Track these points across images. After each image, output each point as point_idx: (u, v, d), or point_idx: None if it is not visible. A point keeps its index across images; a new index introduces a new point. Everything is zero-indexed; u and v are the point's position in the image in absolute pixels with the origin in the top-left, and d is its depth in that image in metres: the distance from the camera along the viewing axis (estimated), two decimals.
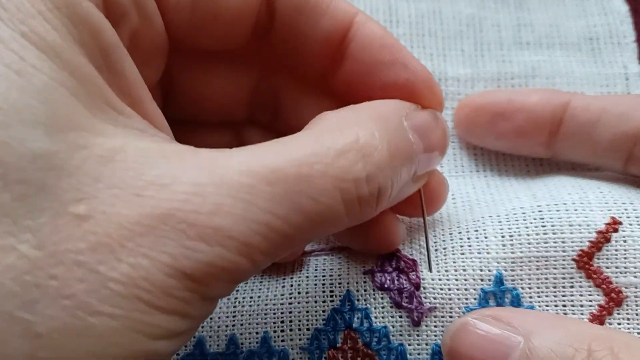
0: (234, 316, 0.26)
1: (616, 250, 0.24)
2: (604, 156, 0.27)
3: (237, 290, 0.27)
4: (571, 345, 0.20)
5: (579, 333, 0.21)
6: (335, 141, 0.18)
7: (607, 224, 0.24)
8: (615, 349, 0.19)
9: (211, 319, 0.26)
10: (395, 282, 0.25)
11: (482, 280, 0.25)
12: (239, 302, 0.26)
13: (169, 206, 0.15)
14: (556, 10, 0.34)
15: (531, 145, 0.28)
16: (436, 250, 0.26)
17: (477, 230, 0.26)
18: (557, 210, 0.25)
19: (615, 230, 0.24)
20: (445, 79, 0.32)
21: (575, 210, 0.25)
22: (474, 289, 0.25)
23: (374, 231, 0.25)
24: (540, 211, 0.25)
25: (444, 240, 0.26)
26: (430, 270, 0.25)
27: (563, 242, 0.24)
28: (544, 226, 0.25)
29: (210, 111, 0.25)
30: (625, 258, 0.24)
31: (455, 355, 0.22)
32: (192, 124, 0.25)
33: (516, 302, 0.24)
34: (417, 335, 0.25)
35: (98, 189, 0.15)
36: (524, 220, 0.25)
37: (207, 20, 0.21)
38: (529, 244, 0.25)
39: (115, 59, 0.17)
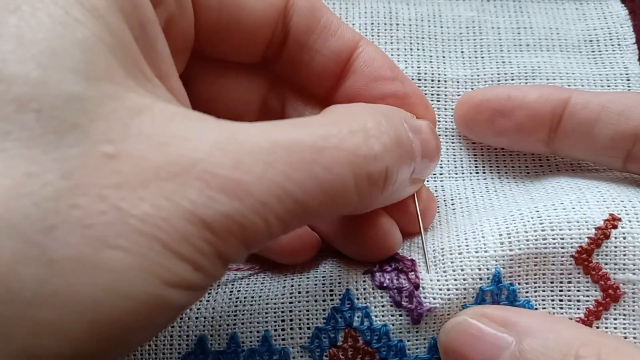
0: (235, 315, 0.26)
1: (615, 247, 0.24)
2: (604, 154, 0.27)
3: (239, 290, 0.27)
4: (560, 350, 0.20)
5: (569, 337, 0.21)
6: (348, 123, 0.19)
7: (605, 220, 0.24)
8: (602, 355, 0.20)
9: (212, 317, 0.27)
10: (395, 281, 0.26)
11: (480, 279, 0.25)
12: (240, 302, 0.27)
13: (193, 156, 0.16)
14: (555, 14, 0.35)
15: (531, 142, 0.28)
16: (434, 250, 0.26)
17: (474, 232, 0.26)
18: (555, 209, 0.25)
19: (615, 227, 0.24)
20: (445, 80, 0.33)
21: (573, 208, 0.25)
22: (473, 288, 0.25)
23: (371, 235, 0.25)
24: (537, 211, 0.25)
25: (441, 241, 0.27)
26: (427, 271, 0.26)
27: (562, 239, 0.24)
28: (541, 224, 0.25)
29: (219, 114, 0.26)
30: (624, 255, 0.24)
31: (449, 352, 0.23)
32: None
33: (512, 297, 0.25)
34: (416, 332, 0.25)
35: (127, 135, 0.15)
36: (522, 219, 0.25)
37: (230, 26, 0.23)
38: (527, 241, 0.25)
39: (150, 33, 0.18)
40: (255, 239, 0.17)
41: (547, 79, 0.32)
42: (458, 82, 0.33)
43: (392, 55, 0.33)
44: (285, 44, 0.24)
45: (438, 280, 0.25)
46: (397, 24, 0.34)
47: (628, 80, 0.32)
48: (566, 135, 0.27)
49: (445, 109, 0.32)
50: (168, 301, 0.15)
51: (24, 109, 0.14)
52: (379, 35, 0.34)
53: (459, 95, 0.32)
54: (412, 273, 0.26)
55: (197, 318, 0.27)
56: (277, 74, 0.26)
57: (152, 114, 0.16)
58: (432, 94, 0.33)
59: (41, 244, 0.13)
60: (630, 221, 0.24)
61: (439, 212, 0.30)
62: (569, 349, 0.20)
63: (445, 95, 0.32)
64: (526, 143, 0.29)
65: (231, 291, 0.27)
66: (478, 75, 0.33)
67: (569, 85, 0.32)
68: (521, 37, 0.34)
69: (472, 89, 0.32)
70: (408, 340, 0.25)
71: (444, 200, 0.31)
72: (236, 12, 0.22)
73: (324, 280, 0.26)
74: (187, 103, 0.21)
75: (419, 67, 0.33)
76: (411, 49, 0.33)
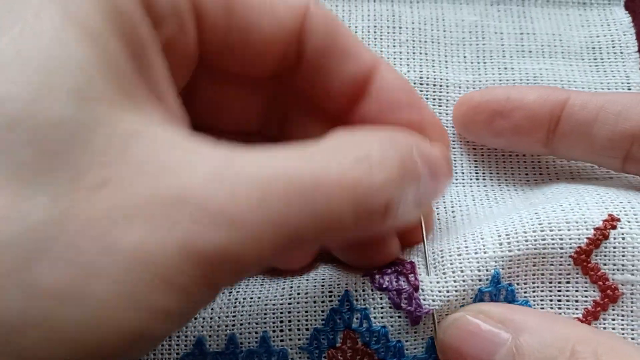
0: (233, 316, 0.27)
1: (614, 247, 0.24)
2: (602, 154, 0.27)
3: (237, 291, 0.27)
4: (556, 346, 0.21)
5: (565, 334, 0.21)
6: (351, 151, 0.19)
7: (604, 220, 0.24)
8: (599, 352, 0.20)
9: (211, 318, 0.27)
10: (394, 283, 0.26)
11: (480, 280, 0.25)
12: (239, 302, 0.27)
13: (186, 186, 0.15)
14: (559, 20, 0.35)
15: (529, 143, 0.29)
16: (433, 253, 0.27)
17: (473, 233, 0.26)
18: (554, 211, 0.25)
19: (614, 227, 0.24)
20: (447, 85, 0.33)
21: (572, 209, 0.25)
22: (472, 289, 0.25)
23: (368, 246, 0.26)
24: (536, 212, 0.26)
25: (441, 244, 0.27)
26: (427, 273, 0.26)
27: (561, 239, 0.25)
28: (540, 224, 0.25)
29: (222, 120, 0.27)
30: (623, 255, 0.24)
31: (446, 349, 0.23)
32: (202, 130, 0.26)
33: (510, 297, 0.25)
34: (415, 332, 0.25)
35: (119, 163, 0.15)
36: (520, 220, 0.26)
37: (237, 47, 0.22)
38: (526, 241, 0.25)
39: (148, 54, 0.18)
40: (248, 268, 0.17)
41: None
42: (460, 87, 0.33)
43: (394, 58, 0.34)
44: (300, 64, 0.24)
45: (438, 282, 0.26)
46: (400, 27, 0.34)
47: (629, 89, 0.32)
48: (564, 136, 0.27)
49: (447, 113, 0.33)
50: (155, 329, 0.15)
51: (14, 131, 0.14)
52: (381, 39, 0.34)
53: None
54: (412, 275, 0.26)
55: (195, 319, 0.27)
56: (287, 88, 0.26)
57: (146, 140, 0.16)
58: (434, 99, 0.33)
59: (27, 272, 0.13)
60: (629, 222, 0.24)
61: (439, 218, 0.30)
62: (565, 346, 0.20)
63: (447, 100, 0.33)
64: (524, 144, 0.29)
65: (230, 292, 0.28)
66: (480, 81, 0.33)
67: None
68: (524, 43, 0.34)
69: None
70: (406, 341, 0.25)
71: (444, 207, 0.31)
72: (245, 34, 0.22)
73: (322, 281, 0.27)
74: (185, 123, 0.20)
75: (421, 72, 0.33)
76: (414, 53, 0.34)
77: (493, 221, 0.27)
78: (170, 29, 0.20)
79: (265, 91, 0.26)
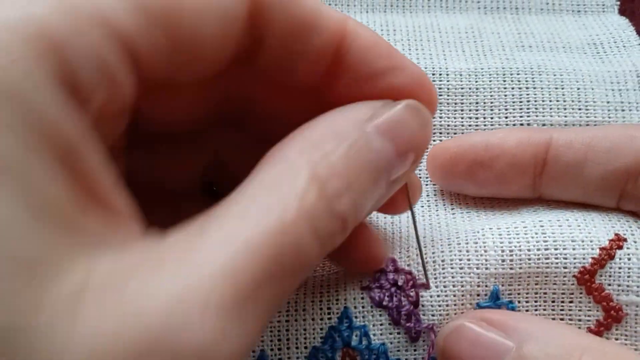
0: None
1: (620, 268, 0.25)
2: (595, 195, 0.27)
3: None
4: (561, 356, 0.22)
5: (571, 343, 0.22)
6: (289, 190, 0.18)
7: (610, 240, 0.25)
8: None
9: None
10: (394, 299, 0.27)
11: (478, 295, 0.27)
12: None
13: (147, 337, 0.15)
14: (555, 24, 0.36)
15: (515, 190, 0.29)
16: (434, 262, 0.28)
17: (476, 243, 0.27)
18: (560, 226, 0.26)
19: (620, 247, 0.25)
20: (447, 73, 0.33)
21: (579, 226, 0.26)
22: (470, 304, 0.27)
23: (356, 254, 0.26)
24: (542, 226, 0.27)
25: (442, 252, 0.28)
26: (427, 287, 0.27)
27: (565, 259, 0.26)
28: (545, 241, 0.26)
29: (177, 123, 0.25)
30: (628, 276, 0.25)
31: (447, 357, 0.24)
32: (161, 136, 0.25)
33: None
34: (414, 350, 0.27)
35: (70, 335, 0.14)
36: (525, 234, 0.27)
37: (185, 63, 0.20)
38: (529, 259, 0.26)
39: (78, 159, 0.16)
40: None
41: (554, 74, 0.32)
42: (461, 74, 0.33)
43: None
44: (259, 53, 0.22)
45: (438, 296, 0.27)
46: (395, 30, 0.35)
47: (638, 76, 0.32)
48: (553, 179, 0.27)
49: (448, 103, 0.33)
50: None
51: None
52: None
53: (462, 88, 0.33)
54: (412, 290, 0.27)
55: None
56: (246, 76, 0.23)
57: (93, 292, 0.15)
58: None
59: None
60: (635, 242, 0.25)
61: (437, 215, 0.31)
62: (570, 355, 0.21)
63: (448, 89, 0.33)
64: (510, 191, 0.29)
65: None
66: (482, 69, 0.33)
67: (577, 81, 0.32)
68: (523, 40, 0.35)
69: (475, 82, 0.33)
70: (406, 359, 0.27)
71: (444, 206, 0.32)
72: (192, 46, 0.19)
73: (321, 297, 0.28)
74: (133, 214, 0.18)
75: (418, 63, 0.33)
76: (409, 48, 0.34)
77: (497, 226, 0.28)
78: (101, 98, 0.18)
79: (221, 83, 0.24)
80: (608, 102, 0.32)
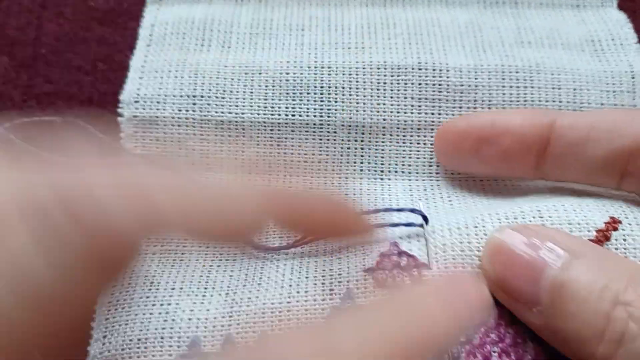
0: (230, 316, 0.28)
1: (616, 248, 0.27)
2: (597, 175, 0.28)
3: (235, 292, 0.29)
4: (610, 278, 0.23)
5: (619, 267, 0.24)
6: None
7: (606, 222, 0.27)
8: None
9: (206, 319, 0.29)
10: (396, 279, 0.28)
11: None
12: (236, 303, 0.29)
13: None
14: (554, 19, 0.38)
15: (519, 169, 0.30)
16: (435, 246, 0.29)
17: (476, 227, 0.28)
18: (556, 210, 0.28)
19: (615, 229, 0.27)
20: (447, 69, 0.35)
21: (574, 210, 0.28)
22: None
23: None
24: (539, 210, 0.28)
25: (442, 236, 0.29)
26: (429, 268, 0.28)
27: None
28: (543, 225, 0.27)
29: None
30: (625, 257, 0.27)
31: (489, 275, 0.26)
32: None
33: None
34: None
35: None
36: (523, 218, 0.28)
37: None
38: None
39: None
40: None
41: (552, 74, 0.34)
42: (461, 71, 0.35)
43: (390, 48, 0.36)
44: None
45: (440, 276, 0.28)
46: (395, 24, 0.37)
47: (633, 78, 0.34)
48: (556, 159, 0.29)
49: (447, 100, 0.34)
50: None
51: None
52: (375, 34, 0.37)
53: (461, 85, 0.34)
54: (415, 270, 0.28)
55: (189, 319, 0.28)
56: None
57: None
58: (434, 84, 0.35)
59: None
60: (630, 224, 0.27)
61: (436, 206, 0.32)
62: (619, 279, 0.22)
63: (448, 85, 0.34)
64: (514, 170, 0.30)
65: (227, 293, 0.29)
66: (482, 66, 0.35)
67: (574, 81, 0.34)
68: (522, 36, 0.37)
69: (475, 79, 0.35)
70: None
71: (441, 198, 0.33)
72: None
73: (323, 278, 0.28)
74: None
75: (419, 58, 0.35)
76: (410, 43, 0.36)
77: (495, 212, 0.29)
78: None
79: None
80: (602, 105, 0.34)
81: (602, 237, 0.27)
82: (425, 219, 0.29)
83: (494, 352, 0.27)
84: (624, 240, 0.27)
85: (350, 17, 0.38)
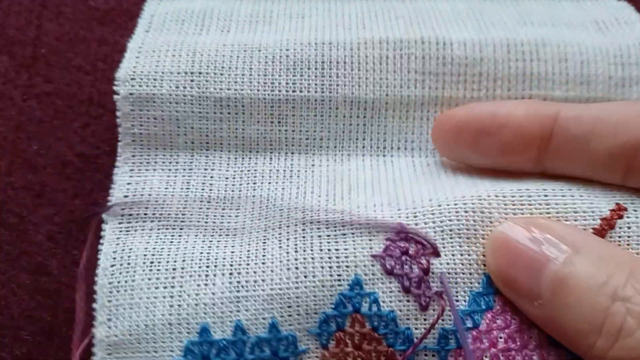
0: (237, 301, 0.29)
1: (619, 237, 0.28)
2: (601, 170, 0.28)
3: (239, 272, 0.30)
4: (610, 270, 0.24)
5: (620, 259, 0.25)
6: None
7: (611, 210, 0.28)
8: None
9: (213, 304, 0.29)
10: (404, 267, 0.29)
11: (484, 265, 0.28)
12: (242, 287, 0.29)
13: None
14: (554, 9, 0.38)
15: (518, 162, 0.30)
16: (442, 231, 0.29)
17: (482, 213, 0.29)
18: (563, 196, 0.28)
19: (620, 217, 0.27)
20: (450, 42, 0.34)
21: (581, 196, 0.28)
22: (477, 274, 0.28)
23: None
24: (546, 196, 0.28)
25: (450, 220, 0.29)
26: (437, 255, 0.29)
27: None
28: (548, 213, 0.28)
29: None
30: (628, 244, 0.27)
31: (492, 269, 0.27)
32: None
33: None
34: (424, 320, 0.28)
35: None
36: (530, 205, 0.28)
37: None
38: None
39: None
40: None
41: (558, 46, 0.34)
42: (465, 44, 0.34)
43: (392, 29, 0.35)
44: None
45: (447, 264, 0.29)
46: (395, 10, 0.37)
47: None
48: (559, 153, 0.28)
49: (452, 74, 0.34)
50: None
51: None
52: (376, 17, 0.36)
53: (466, 58, 0.34)
54: (422, 258, 0.29)
55: (196, 304, 0.29)
56: None
57: None
58: (438, 58, 0.34)
59: None
60: (635, 210, 0.28)
61: (441, 182, 0.32)
62: (620, 270, 0.24)
63: (452, 58, 0.34)
64: (514, 163, 0.30)
65: (230, 273, 0.30)
66: (486, 39, 0.34)
67: (580, 54, 0.34)
68: (524, 18, 0.36)
69: (480, 52, 0.34)
70: (416, 328, 0.28)
71: (446, 174, 0.33)
72: None
73: (330, 263, 0.29)
74: None
75: (421, 33, 0.34)
76: (411, 24, 0.36)
77: (502, 195, 0.29)
78: None
79: None
80: (610, 78, 0.34)
81: (607, 225, 0.28)
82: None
83: (500, 337, 0.28)
84: (629, 228, 0.28)
85: (351, 7, 0.37)
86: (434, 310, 0.28)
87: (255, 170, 0.33)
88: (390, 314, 0.28)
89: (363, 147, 0.34)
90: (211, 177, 0.33)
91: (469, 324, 0.28)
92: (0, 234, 0.36)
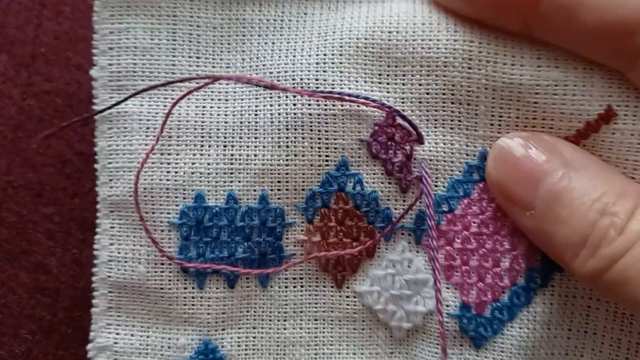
0: (231, 173, 0.31)
1: (602, 141, 0.28)
2: (586, 44, 0.27)
3: (233, 146, 0.31)
4: (605, 190, 0.26)
5: (615, 181, 0.26)
6: None
7: (600, 114, 0.28)
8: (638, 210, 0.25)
9: (208, 174, 0.31)
10: (389, 151, 0.30)
11: (467, 155, 0.30)
12: (235, 159, 0.31)
13: None
14: None
15: (506, 18, 0.28)
16: (427, 120, 0.30)
17: (469, 105, 0.29)
18: (555, 95, 0.28)
19: (607, 122, 0.28)
20: None
21: (574, 95, 0.28)
22: (459, 162, 0.30)
23: None
24: (537, 93, 0.28)
25: (435, 111, 0.30)
26: (421, 142, 0.30)
27: (551, 128, 0.29)
28: (535, 111, 0.29)
29: None
30: (609, 149, 0.28)
31: (492, 180, 0.29)
32: None
33: None
34: (404, 201, 0.31)
35: None
36: (518, 101, 0.29)
37: None
38: (516, 126, 0.29)
39: None
40: None
41: None
42: None
43: None
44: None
45: (429, 151, 0.30)
46: None
47: None
48: (547, 16, 0.27)
49: None
50: None
51: None
52: None
53: None
54: (407, 145, 0.30)
55: (192, 173, 0.31)
56: None
57: None
58: None
59: None
60: (626, 116, 0.28)
61: (439, 27, 0.31)
62: (612, 190, 0.25)
63: None
64: (501, 18, 0.29)
65: (225, 146, 0.31)
66: None
67: None
68: None
69: None
70: (395, 209, 0.31)
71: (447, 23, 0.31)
72: None
73: (319, 144, 0.30)
74: None
75: None
76: None
77: (492, 86, 0.29)
78: None
79: None
80: None
81: (591, 129, 0.28)
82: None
83: (474, 222, 0.30)
84: (613, 134, 0.28)
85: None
86: (412, 193, 0.30)
87: (244, 19, 0.32)
88: (372, 194, 0.30)
89: None
90: (197, 26, 0.32)
91: (445, 207, 0.30)
92: (0, 233, 0.37)
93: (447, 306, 0.31)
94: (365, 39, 0.30)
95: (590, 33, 0.27)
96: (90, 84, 0.32)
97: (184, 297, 0.32)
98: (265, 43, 0.32)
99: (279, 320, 0.32)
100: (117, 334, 0.32)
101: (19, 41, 0.38)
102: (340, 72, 0.30)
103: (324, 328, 0.32)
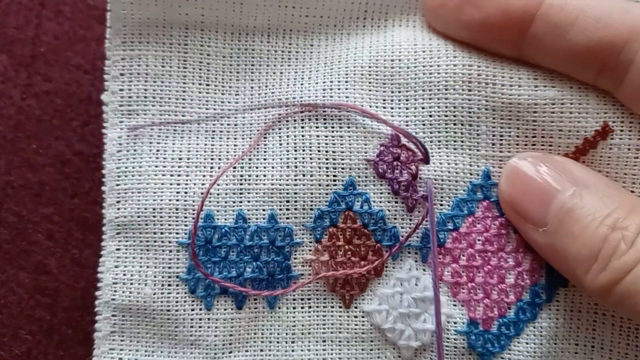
0: (240, 193, 0.32)
1: (600, 156, 0.30)
2: (575, 64, 0.29)
3: (242, 167, 0.32)
4: (614, 208, 0.27)
5: (624, 198, 0.27)
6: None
7: (596, 130, 0.29)
8: None
9: (218, 194, 0.32)
10: (395, 171, 0.31)
11: (470, 174, 0.31)
12: (245, 180, 0.32)
13: None
14: None
15: (497, 41, 0.30)
16: (431, 142, 0.31)
17: (471, 125, 0.31)
18: (552, 113, 0.30)
19: (604, 138, 0.29)
20: None
21: (571, 113, 0.30)
22: (464, 182, 0.31)
23: None
24: (535, 112, 0.30)
25: (439, 132, 0.31)
26: (426, 162, 0.31)
27: (550, 146, 0.30)
28: (534, 129, 0.30)
29: None
30: (608, 164, 0.30)
31: (504, 197, 0.30)
32: None
33: None
34: (410, 220, 0.31)
35: None
36: (518, 120, 0.30)
37: None
38: (517, 144, 0.30)
39: None
40: None
41: None
42: None
43: None
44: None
45: (434, 171, 0.31)
46: None
47: None
48: (537, 38, 0.29)
49: None
50: None
51: None
52: None
53: None
54: (412, 164, 0.31)
55: (202, 193, 0.32)
56: None
57: None
58: None
59: None
60: (622, 131, 0.29)
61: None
62: (622, 207, 0.26)
63: None
64: (493, 41, 0.30)
65: (234, 168, 0.32)
66: None
67: None
68: None
69: None
70: (402, 227, 0.31)
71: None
72: None
73: (327, 162, 0.31)
74: None
75: None
76: None
77: (492, 106, 0.31)
78: None
79: None
80: None
81: (588, 145, 0.30)
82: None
83: (479, 240, 0.31)
84: (610, 149, 0.30)
85: None
86: (419, 212, 0.31)
87: (253, 49, 0.33)
88: (379, 212, 0.31)
89: (364, 26, 0.34)
90: (207, 54, 0.33)
91: (450, 226, 0.31)
92: (0, 233, 0.37)
93: (455, 323, 0.31)
94: (369, 66, 0.32)
95: (580, 52, 0.28)
96: (90, 83, 0.32)
97: (191, 319, 0.32)
98: (274, 72, 0.33)
99: (286, 342, 0.32)
100: (120, 358, 0.32)
101: (19, 41, 0.39)
102: (347, 97, 0.32)
103: (332, 349, 0.32)
